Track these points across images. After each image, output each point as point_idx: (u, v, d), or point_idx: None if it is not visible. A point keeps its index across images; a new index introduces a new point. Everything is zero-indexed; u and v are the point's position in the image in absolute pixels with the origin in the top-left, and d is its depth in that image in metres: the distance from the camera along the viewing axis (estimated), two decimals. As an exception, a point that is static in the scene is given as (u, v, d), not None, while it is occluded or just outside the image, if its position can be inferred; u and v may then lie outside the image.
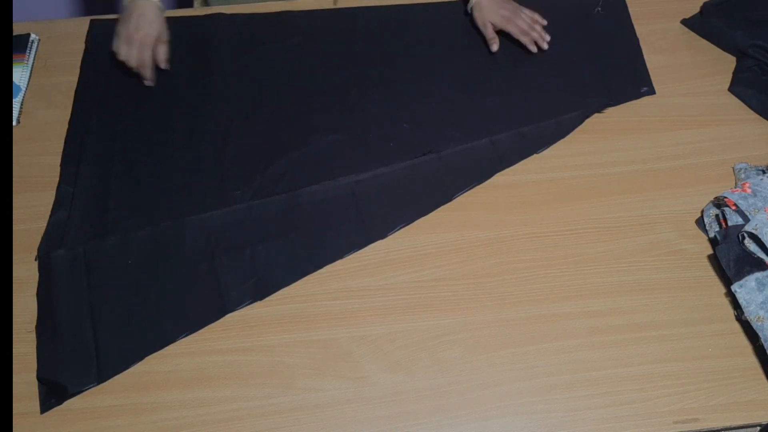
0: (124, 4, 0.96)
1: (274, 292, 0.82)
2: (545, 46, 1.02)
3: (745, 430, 0.75)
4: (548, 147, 0.94)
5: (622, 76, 1.02)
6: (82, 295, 0.81)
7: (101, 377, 0.76)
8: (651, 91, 1.00)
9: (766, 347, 0.73)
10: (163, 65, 0.97)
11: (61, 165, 0.92)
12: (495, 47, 1.02)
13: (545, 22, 1.04)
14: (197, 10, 1.11)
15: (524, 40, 1.02)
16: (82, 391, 0.75)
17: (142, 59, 0.95)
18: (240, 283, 0.82)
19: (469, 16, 1.06)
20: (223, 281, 0.83)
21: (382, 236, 0.86)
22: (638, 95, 1.00)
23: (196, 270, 0.84)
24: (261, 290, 0.82)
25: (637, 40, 1.06)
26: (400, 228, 0.87)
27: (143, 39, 0.94)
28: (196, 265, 0.84)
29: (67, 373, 0.76)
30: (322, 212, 0.88)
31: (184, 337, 0.79)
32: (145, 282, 0.83)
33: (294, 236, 0.86)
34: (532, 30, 1.02)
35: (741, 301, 0.75)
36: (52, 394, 0.75)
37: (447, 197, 0.90)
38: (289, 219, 0.88)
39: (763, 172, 0.88)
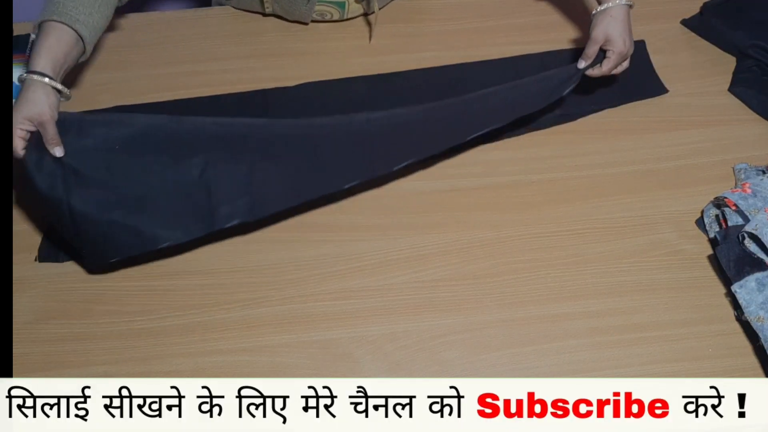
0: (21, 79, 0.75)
1: (266, 214, 0.80)
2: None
3: (745, 429, 0.75)
4: (572, 87, 0.89)
5: (632, 80, 1.00)
6: (59, 188, 0.74)
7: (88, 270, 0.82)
8: (663, 90, 1.00)
9: (766, 347, 0.73)
10: (56, 152, 0.73)
11: (61, 165, 0.92)
12: (583, 64, 0.89)
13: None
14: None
15: (607, 66, 0.88)
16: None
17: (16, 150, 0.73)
18: (232, 198, 0.78)
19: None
20: (215, 194, 0.77)
21: (388, 169, 0.83)
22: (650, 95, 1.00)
23: (188, 174, 0.77)
24: (253, 210, 0.78)
25: (643, 42, 1.05)
26: (408, 163, 0.83)
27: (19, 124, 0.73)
28: (189, 170, 0.77)
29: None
30: (329, 140, 0.83)
31: (166, 245, 0.76)
32: (131, 173, 0.76)
33: (295, 159, 0.82)
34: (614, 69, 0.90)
35: (741, 301, 0.75)
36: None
37: (461, 137, 0.85)
38: (294, 142, 0.83)
39: (763, 172, 0.88)
